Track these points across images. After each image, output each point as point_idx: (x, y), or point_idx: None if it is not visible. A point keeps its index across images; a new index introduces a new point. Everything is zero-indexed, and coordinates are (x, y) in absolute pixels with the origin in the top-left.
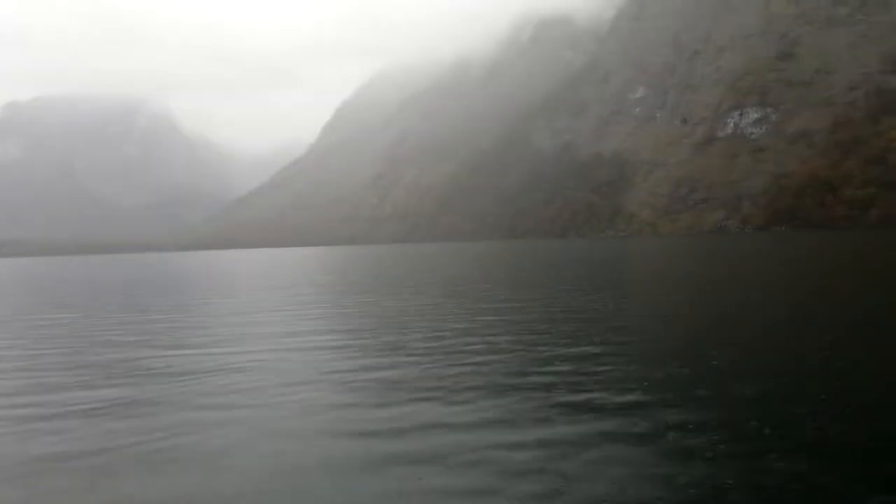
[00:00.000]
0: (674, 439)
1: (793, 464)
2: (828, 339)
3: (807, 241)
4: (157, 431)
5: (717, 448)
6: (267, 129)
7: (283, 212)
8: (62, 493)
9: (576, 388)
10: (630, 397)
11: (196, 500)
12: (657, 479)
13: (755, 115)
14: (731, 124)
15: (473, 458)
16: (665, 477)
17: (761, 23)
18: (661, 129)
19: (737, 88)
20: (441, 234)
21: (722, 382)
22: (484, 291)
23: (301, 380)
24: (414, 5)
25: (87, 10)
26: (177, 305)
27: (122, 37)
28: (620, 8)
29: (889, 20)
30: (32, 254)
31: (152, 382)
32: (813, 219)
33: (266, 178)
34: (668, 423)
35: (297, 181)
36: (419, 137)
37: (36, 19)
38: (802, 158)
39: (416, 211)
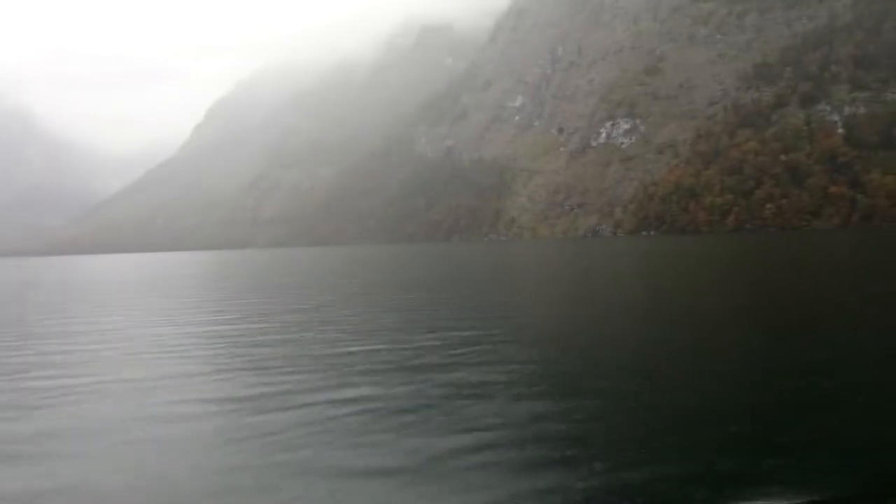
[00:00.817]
0: None
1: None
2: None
3: (669, 245)
4: None
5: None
6: (134, 127)
7: (154, 214)
8: None
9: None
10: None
11: None
12: None
13: (625, 126)
14: (604, 134)
15: None
16: None
17: (629, 38)
18: (539, 137)
19: (608, 100)
20: (323, 238)
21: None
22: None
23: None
24: (296, 4)
25: None
26: None
27: None
28: (499, 19)
29: (743, 41)
30: None
31: None
32: (678, 224)
33: (134, 178)
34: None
35: (169, 182)
36: (300, 139)
37: None
38: (668, 167)
39: (298, 214)
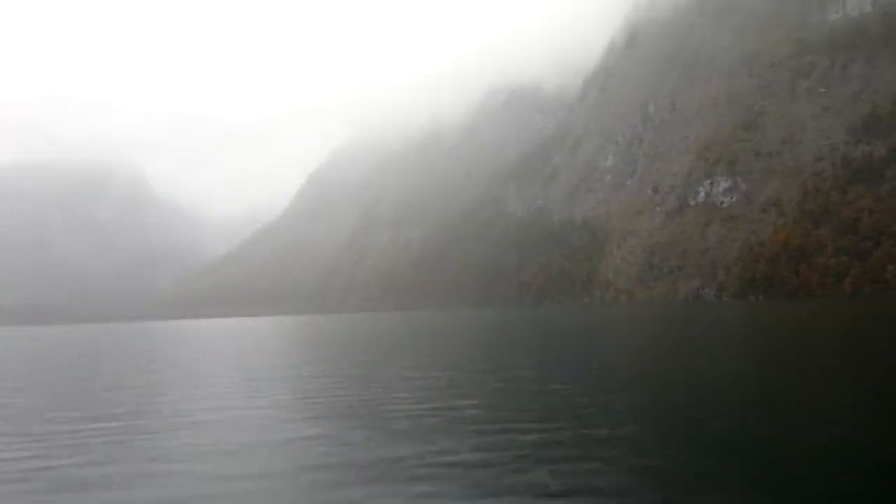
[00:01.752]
0: None
1: None
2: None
3: (787, 310)
4: None
5: None
6: (239, 193)
7: (255, 277)
8: None
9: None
10: None
11: None
12: None
13: (725, 184)
14: (703, 192)
15: None
16: None
17: (725, 94)
18: (632, 197)
19: (705, 157)
20: (415, 299)
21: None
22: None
23: None
24: (387, 72)
25: (61, 75)
26: None
27: (97, 103)
28: (587, 78)
29: (850, 92)
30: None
31: None
32: (788, 287)
33: (238, 242)
34: None
35: (269, 245)
36: (393, 202)
37: (4, 87)
38: (775, 227)
39: (390, 276)
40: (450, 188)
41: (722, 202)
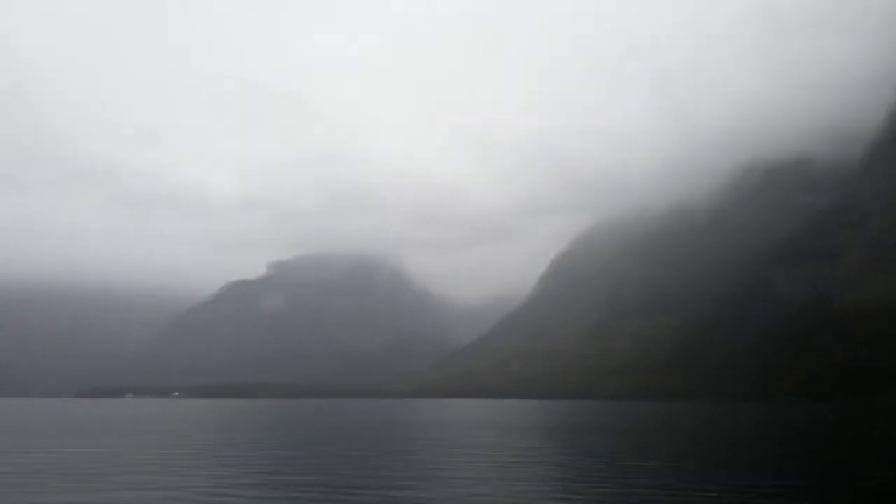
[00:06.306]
0: None
1: None
2: None
3: None
4: None
5: None
6: (481, 282)
7: (503, 363)
8: None
9: None
10: None
11: None
12: None
13: None
14: None
15: None
16: None
17: None
18: None
19: None
20: (670, 392)
21: None
22: None
23: None
24: (625, 159)
25: (334, 181)
26: None
27: (365, 204)
28: (872, 147)
29: None
30: (287, 396)
31: None
32: None
33: (482, 328)
34: None
35: (515, 332)
36: (640, 287)
37: (294, 194)
38: None
39: (641, 365)
40: (705, 273)
41: None
